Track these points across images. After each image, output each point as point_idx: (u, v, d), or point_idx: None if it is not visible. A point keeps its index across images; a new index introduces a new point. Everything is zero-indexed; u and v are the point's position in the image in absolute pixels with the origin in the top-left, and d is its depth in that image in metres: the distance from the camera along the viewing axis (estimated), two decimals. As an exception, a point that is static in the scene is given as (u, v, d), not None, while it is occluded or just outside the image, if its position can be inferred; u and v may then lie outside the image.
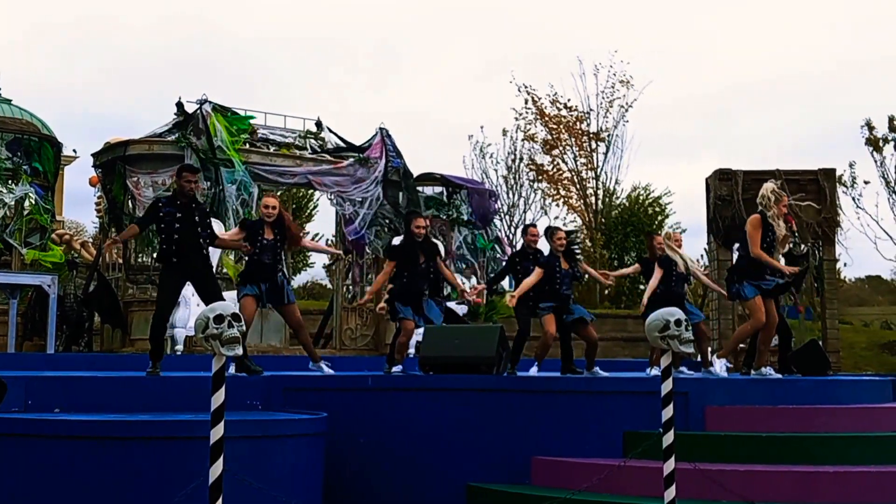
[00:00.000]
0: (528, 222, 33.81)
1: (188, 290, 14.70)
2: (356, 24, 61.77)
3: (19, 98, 19.93)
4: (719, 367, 10.10)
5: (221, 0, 61.21)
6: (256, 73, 58.66)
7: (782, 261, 10.47)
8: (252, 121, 17.27)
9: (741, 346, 10.78)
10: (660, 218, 35.22)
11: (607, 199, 34.00)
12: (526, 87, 33.36)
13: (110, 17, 61.01)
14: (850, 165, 29.45)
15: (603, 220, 33.45)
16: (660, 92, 58.22)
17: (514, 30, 54.23)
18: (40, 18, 60.81)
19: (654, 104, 51.71)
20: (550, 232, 10.65)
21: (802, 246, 16.23)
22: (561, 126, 33.09)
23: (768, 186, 9.74)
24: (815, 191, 16.28)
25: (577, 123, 33.02)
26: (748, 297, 9.54)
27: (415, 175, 18.93)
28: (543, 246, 10.84)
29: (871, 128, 29.72)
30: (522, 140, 33.65)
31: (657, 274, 10.83)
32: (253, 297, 9.64)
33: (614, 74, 32.86)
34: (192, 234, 8.97)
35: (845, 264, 29.29)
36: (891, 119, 29.62)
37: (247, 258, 9.72)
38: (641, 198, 34.72)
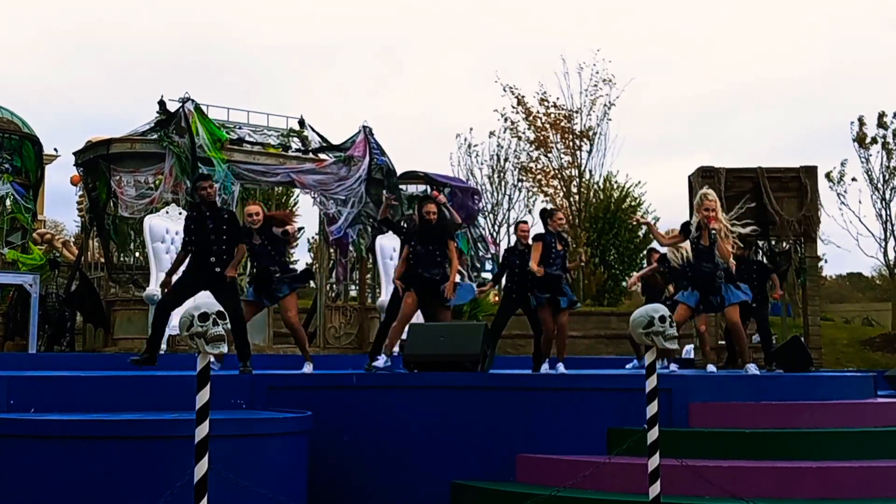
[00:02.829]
0: (512, 221, 33.98)
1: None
2: (348, 24, 61.79)
3: (4, 98, 19.81)
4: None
5: (213, 3, 60.99)
6: (245, 75, 58.51)
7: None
8: (234, 119, 17.22)
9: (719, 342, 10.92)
10: (639, 213, 35.22)
11: (588, 196, 34.02)
12: (511, 87, 33.41)
13: (97, 17, 60.77)
14: (842, 163, 29.72)
15: (584, 216, 33.50)
16: (648, 92, 58.27)
17: (506, 30, 54.32)
18: (18, 17, 60.45)
19: (642, 104, 51.78)
20: (549, 213, 10.70)
21: (785, 244, 16.30)
22: (547, 124, 33.10)
23: (701, 192, 9.87)
24: (797, 188, 16.32)
25: (565, 121, 33.03)
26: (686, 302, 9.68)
27: (398, 173, 18.89)
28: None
29: (861, 124, 29.88)
30: (510, 138, 33.70)
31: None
32: (250, 301, 9.91)
33: (597, 73, 32.92)
34: (205, 245, 9.09)
35: (826, 261, 29.51)
36: (881, 116, 29.78)
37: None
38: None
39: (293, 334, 10.25)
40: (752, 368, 9.44)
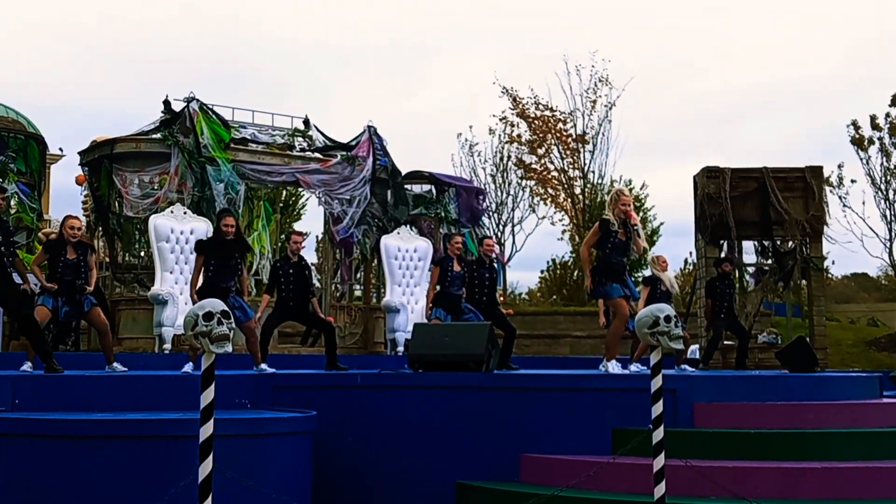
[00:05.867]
0: (517, 220, 34.02)
1: (176, 289, 14.75)
2: (347, 24, 61.69)
3: (5, 95, 19.82)
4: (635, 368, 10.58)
5: (220, 1, 60.98)
6: (248, 76, 58.48)
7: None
8: (239, 119, 17.21)
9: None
10: (641, 215, 35.15)
11: (593, 198, 34.02)
12: (508, 89, 33.43)
13: (102, 16, 60.83)
14: (839, 167, 29.87)
15: (590, 217, 33.47)
16: (652, 92, 58.27)
17: (505, 30, 54.27)
18: (23, 13, 60.52)
19: (646, 105, 51.75)
20: (448, 238, 12.31)
21: (790, 242, 16.28)
22: (545, 126, 33.10)
23: (613, 189, 10.37)
24: (803, 188, 16.31)
25: (560, 125, 33.04)
26: (613, 296, 9.69)
27: (403, 173, 18.89)
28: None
29: (856, 127, 30.03)
30: (506, 142, 33.75)
31: (644, 292, 11.74)
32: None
33: (595, 74, 32.91)
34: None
35: (833, 262, 29.56)
36: (872, 118, 29.94)
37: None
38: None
39: (102, 338, 10.25)
40: (613, 367, 9.45)
